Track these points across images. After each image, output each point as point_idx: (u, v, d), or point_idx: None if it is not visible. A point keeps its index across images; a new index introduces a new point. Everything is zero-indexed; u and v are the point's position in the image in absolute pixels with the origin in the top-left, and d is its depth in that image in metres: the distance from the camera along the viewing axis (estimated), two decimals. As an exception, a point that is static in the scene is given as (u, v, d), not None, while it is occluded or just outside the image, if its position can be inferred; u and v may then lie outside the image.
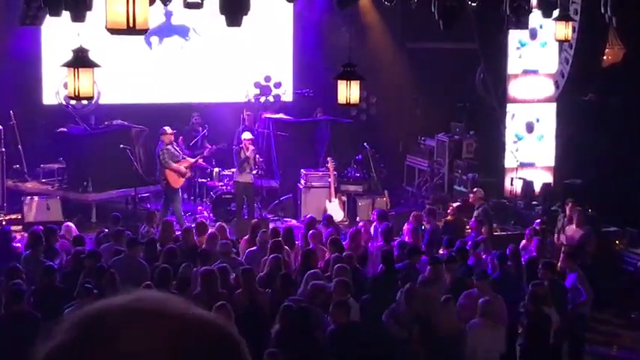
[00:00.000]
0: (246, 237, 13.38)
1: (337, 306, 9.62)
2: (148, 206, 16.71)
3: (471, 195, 15.72)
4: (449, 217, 14.90)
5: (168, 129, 16.18)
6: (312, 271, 10.96)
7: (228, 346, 1.28)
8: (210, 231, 13.09)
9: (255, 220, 14.82)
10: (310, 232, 13.19)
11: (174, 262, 11.50)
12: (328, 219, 14.31)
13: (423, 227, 14.08)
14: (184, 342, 1.23)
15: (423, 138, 20.02)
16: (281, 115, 18.92)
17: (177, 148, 16.31)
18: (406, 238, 13.24)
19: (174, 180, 16.02)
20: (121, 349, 1.21)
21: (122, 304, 1.28)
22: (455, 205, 15.49)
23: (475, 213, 14.74)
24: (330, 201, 16.80)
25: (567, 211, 14.75)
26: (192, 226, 13.79)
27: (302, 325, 9.37)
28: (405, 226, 13.65)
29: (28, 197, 16.29)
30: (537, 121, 18.54)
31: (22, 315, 9.48)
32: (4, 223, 15.59)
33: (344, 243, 12.80)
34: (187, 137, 17.92)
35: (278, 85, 19.84)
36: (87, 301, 9.19)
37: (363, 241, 13.19)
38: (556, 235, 14.58)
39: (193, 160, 16.43)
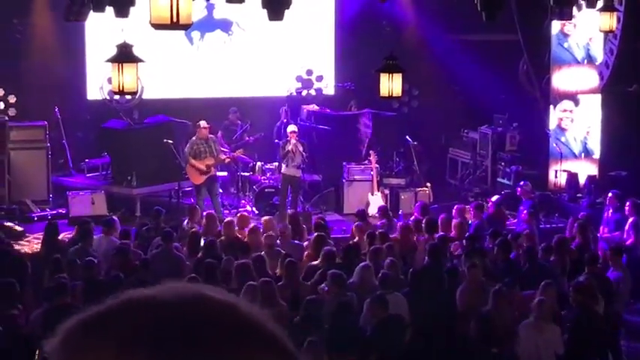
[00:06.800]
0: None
1: (374, 301, 9.62)
2: (191, 200, 16.78)
3: (519, 189, 15.62)
4: (490, 211, 14.81)
5: (202, 123, 16.05)
6: (364, 263, 10.96)
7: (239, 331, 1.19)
8: (253, 225, 13.15)
9: (293, 212, 14.87)
10: (356, 224, 13.28)
11: (214, 254, 11.59)
12: (383, 210, 14.39)
13: (469, 222, 14.03)
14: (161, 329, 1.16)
15: (465, 130, 19.91)
16: (322, 109, 18.93)
17: (212, 145, 16.10)
18: (452, 233, 13.17)
19: (194, 176, 15.90)
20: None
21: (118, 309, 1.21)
22: (494, 198, 15.39)
23: (523, 206, 14.66)
24: (372, 194, 16.76)
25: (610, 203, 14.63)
26: (234, 219, 13.84)
27: (344, 316, 9.43)
28: (453, 222, 13.54)
29: (73, 192, 16.45)
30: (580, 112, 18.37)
31: (67, 308, 9.57)
32: (49, 217, 15.75)
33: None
34: (226, 132, 17.93)
35: (320, 78, 19.83)
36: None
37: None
38: (601, 228, 14.45)
39: (219, 158, 16.22)
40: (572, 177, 17.59)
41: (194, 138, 16.01)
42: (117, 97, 16.90)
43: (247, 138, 17.82)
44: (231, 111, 18.39)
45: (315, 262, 11.58)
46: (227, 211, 16.27)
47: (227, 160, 16.63)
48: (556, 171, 17.94)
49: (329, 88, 19.99)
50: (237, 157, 16.92)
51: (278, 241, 12.60)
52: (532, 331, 9.64)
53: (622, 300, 11.81)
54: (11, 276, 10.46)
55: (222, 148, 16.62)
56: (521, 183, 15.81)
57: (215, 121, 17.12)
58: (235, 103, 18.80)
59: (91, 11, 12.27)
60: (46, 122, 17.13)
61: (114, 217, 14.16)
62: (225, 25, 19.48)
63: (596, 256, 11.80)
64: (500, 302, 9.95)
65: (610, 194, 14.78)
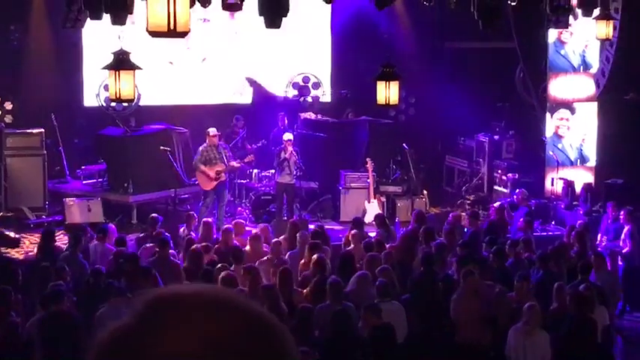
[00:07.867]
0: (283, 236, 13.44)
1: (367, 309, 9.61)
2: (188, 207, 16.76)
3: (514, 196, 15.62)
4: (492, 218, 14.80)
5: (212, 130, 16.08)
6: (361, 272, 10.94)
7: (281, 342, 1.32)
8: (254, 232, 13.10)
9: (293, 220, 14.83)
10: (352, 232, 13.24)
11: (199, 263, 11.55)
12: (380, 218, 14.39)
13: (465, 229, 14.01)
14: (248, 334, 1.27)
15: (462, 138, 19.92)
16: (319, 117, 18.94)
17: (222, 152, 16.09)
18: (447, 241, 13.15)
19: (203, 182, 15.92)
20: (188, 334, 1.23)
21: (195, 291, 1.31)
22: (497, 205, 15.39)
23: (518, 214, 14.66)
24: (369, 202, 16.76)
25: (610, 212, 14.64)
26: (232, 227, 13.80)
27: (342, 325, 9.41)
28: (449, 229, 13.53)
29: (69, 199, 16.42)
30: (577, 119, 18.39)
31: (62, 315, 9.50)
32: (45, 224, 15.73)
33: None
34: (227, 139, 17.91)
35: (316, 85, 19.84)
36: (118, 302, 9.25)
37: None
38: (599, 236, 14.46)
39: (231, 164, 16.21)
40: (569, 185, 17.60)
41: (204, 145, 16.00)
42: (113, 104, 16.88)
43: (249, 146, 17.80)
44: (236, 119, 18.34)
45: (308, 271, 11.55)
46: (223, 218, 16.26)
47: (237, 166, 16.59)
48: (552, 178, 17.93)
49: (326, 95, 19.99)
50: (241, 165, 16.94)
51: (296, 250, 12.57)
52: (520, 335, 9.69)
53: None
54: (2, 282, 10.43)
55: None
56: (517, 191, 15.82)
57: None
58: (232, 109, 18.79)
59: (88, 18, 12.27)
60: (42, 129, 17.11)
61: (109, 224, 14.13)
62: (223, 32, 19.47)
63: (590, 265, 11.80)
64: (500, 304, 9.99)
65: (610, 204, 14.77)
